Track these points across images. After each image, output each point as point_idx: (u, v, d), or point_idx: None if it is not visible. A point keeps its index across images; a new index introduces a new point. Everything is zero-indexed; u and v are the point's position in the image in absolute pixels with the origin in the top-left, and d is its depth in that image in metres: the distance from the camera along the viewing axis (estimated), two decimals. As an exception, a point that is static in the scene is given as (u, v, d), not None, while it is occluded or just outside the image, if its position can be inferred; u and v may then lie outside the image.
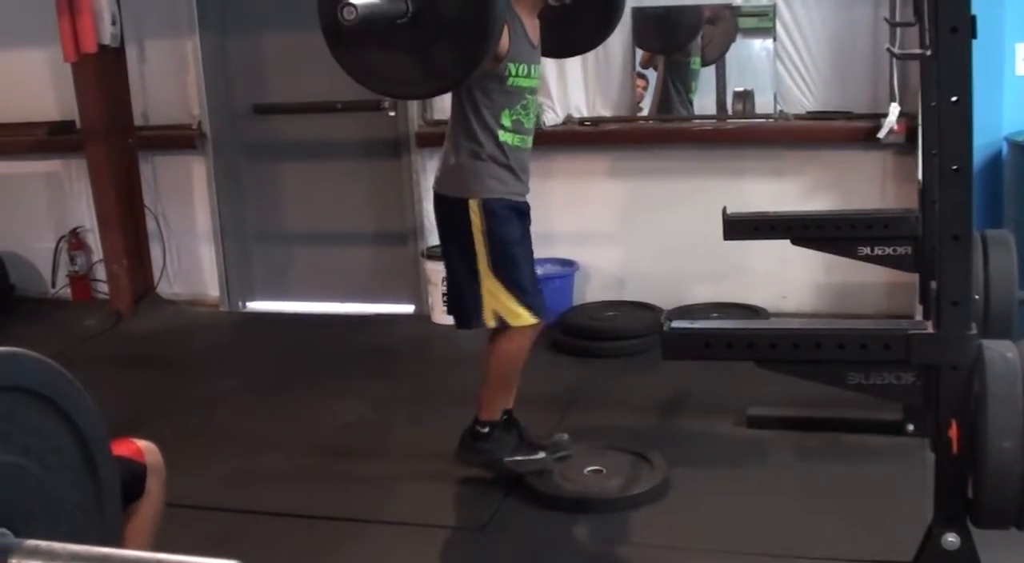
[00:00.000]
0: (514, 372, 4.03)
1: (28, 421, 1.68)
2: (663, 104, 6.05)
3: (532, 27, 3.91)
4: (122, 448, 2.54)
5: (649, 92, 6.04)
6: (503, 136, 3.86)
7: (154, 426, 4.71)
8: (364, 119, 6.44)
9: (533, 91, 3.95)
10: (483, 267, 3.88)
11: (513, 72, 3.82)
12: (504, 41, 3.71)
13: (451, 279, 4.04)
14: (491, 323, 3.93)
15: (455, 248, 3.97)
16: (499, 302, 3.89)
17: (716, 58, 5.96)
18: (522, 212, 3.99)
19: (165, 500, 2.73)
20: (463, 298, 3.98)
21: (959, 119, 2.63)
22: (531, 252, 4.04)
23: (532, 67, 3.90)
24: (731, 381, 4.64)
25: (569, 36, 4.34)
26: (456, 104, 3.92)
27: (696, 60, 6.01)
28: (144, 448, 2.70)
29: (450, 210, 3.95)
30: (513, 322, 3.91)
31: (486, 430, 4.06)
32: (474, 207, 3.87)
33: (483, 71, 3.71)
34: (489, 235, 3.86)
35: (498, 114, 3.85)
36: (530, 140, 3.99)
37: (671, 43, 6.05)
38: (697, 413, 4.75)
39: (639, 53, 5.99)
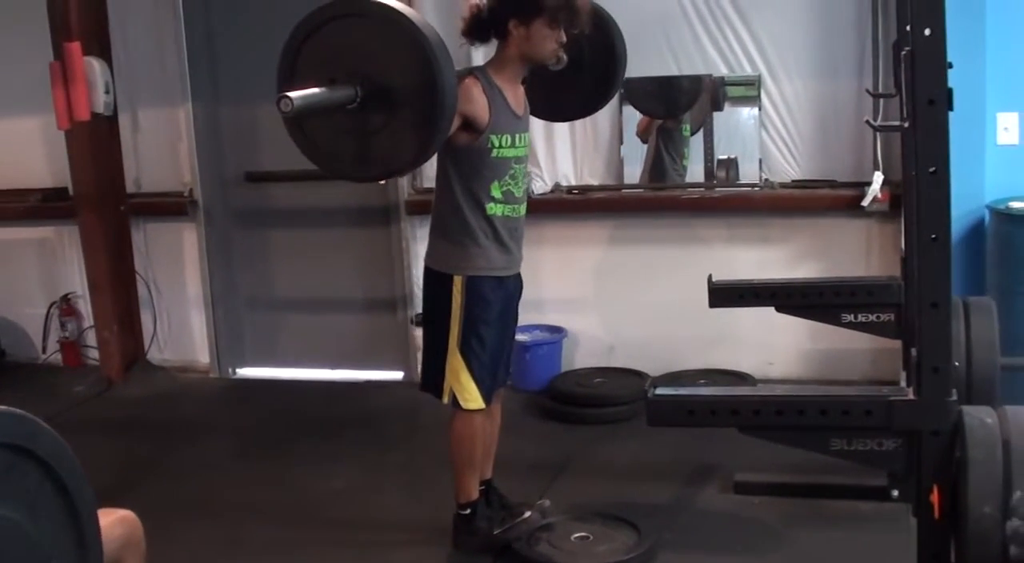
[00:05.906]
0: (470, 455, 4.04)
1: (42, 495, 1.70)
2: (656, 171, 6.11)
3: (514, 97, 3.92)
4: None
5: (639, 160, 6.09)
6: (492, 208, 3.89)
7: (143, 492, 4.72)
8: (354, 187, 6.42)
9: (520, 160, 3.95)
10: (452, 343, 3.93)
11: (496, 144, 3.84)
12: (483, 114, 3.76)
13: (425, 350, 4.09)
14: (445, 399, 4.00)
15: (434, 320, 4.01)
16: (457, 381, 3.95)
17: (699, 127, 6.03)
18: (508, 288, 4.03)
19: None
20: (430, 369, 4.05)
21: (937, 189, 2.68)
22: (504, 336, 4.08)
23: (517, 136, 3.91)
24: (718, 447, 4.66)
25: (567, 101, 4.38)
26: (442, 178, 3.94)
27: (686, 127, 6.07)
28: (120, 519, 2.63)
29: (436, 284, 3.99)
30: (463, 404, 3.96)
31: (467, 512, 4.09)
32: (458, 284, 3.90)
33: (464, 146, 3.77)
34: (466, 312, 3.90)
35: (487, 187, 3.87)
36: (522, 208, 4.02)
37: (670, 108, 6.09)
38: (684, 479, 4.75)
39: (632, 120, 6.04)
